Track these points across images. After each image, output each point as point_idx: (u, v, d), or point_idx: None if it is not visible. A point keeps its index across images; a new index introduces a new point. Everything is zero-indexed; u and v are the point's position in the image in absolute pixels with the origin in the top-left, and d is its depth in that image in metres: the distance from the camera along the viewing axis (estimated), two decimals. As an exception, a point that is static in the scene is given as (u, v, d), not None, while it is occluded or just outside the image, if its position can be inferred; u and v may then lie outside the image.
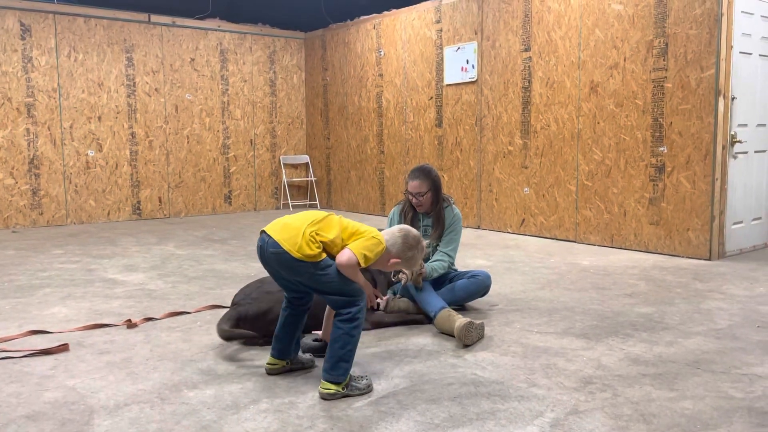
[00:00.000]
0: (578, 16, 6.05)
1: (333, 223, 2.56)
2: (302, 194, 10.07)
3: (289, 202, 9.73)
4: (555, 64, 6.29)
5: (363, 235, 2.53)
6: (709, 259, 5.21)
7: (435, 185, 3.59)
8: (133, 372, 2.76)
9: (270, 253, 2.51)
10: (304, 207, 9.86)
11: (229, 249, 6.05)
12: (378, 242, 2.53)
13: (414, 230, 2.70)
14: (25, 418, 2.30)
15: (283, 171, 9.75)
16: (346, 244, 2.50)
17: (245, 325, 3.11)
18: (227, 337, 3.03)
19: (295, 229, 2.50)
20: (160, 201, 8.62)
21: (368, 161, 8.86)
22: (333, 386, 2.45)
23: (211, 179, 9.06)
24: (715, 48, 5.11)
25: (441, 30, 7.50)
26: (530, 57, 6.52)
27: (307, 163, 10.00)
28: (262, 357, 2.94)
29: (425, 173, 3.57)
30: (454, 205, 3.73)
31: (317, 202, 9.89)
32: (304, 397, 2.47)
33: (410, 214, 3.69)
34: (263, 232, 2.58)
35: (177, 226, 7.74)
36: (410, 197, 3.60)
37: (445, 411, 2.33)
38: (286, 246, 2.45)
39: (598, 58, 5.92)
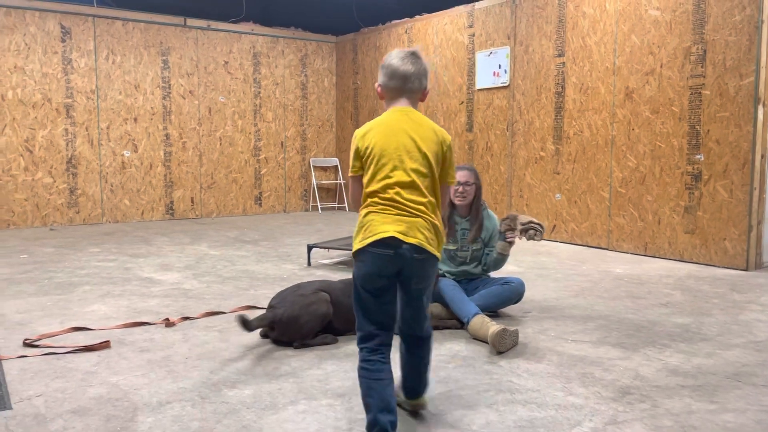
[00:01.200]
0: (614, 21, 6.00)
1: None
2: (331, 197, 10.13)
3: (318, 204, 9.80)
4: (589, 69, 6.25)
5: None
6: (746, 270, 5.12)
7: (479, 179, 3.71)
8: (174, 370, 2.81)
9: (415, 260, 2.06)
10: (332, 209, 9.93)
11: (261, 250, 6.12)
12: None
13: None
14: (72, 413, 2.36)
15: (313, 173, 9.83)
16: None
17: (279, 327, 3.14)
18: (245, 323, 3.04)
19: (424, 219, 2.08)
20: (192, 201, 8.75)
21: (398, 165, 8.86)
22: (425, 397, 2.37)
23: (243, 181, 9.17)
24: (755, 55, 5.03)
25: (473, 35, 7.49)
26: (564, 62, 6.49)
27: (336, 166, 10.07)
28: (298, 358, 2.97)
29: (471, 167, 3.72)
30: (489, 209, 3.76)
31: (346, 204, 9.94)
32: (341, 400, 2.50)
33: (447, 213, 3.70)
34: (391, 238, 2.04)
35: (209, 227, 7.85)
36: (457, 187, 3.62)
37: (483, 417, 2.34)
38: (432, 247, 2.09)
39: (633, 64, 5.86)
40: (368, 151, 2.11)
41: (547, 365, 2.91)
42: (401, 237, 2.03)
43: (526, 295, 4.06)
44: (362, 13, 9.53)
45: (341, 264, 5.43)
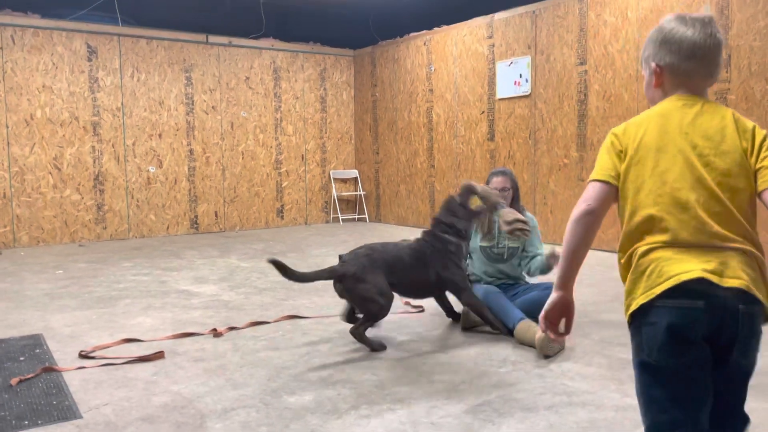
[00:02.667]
0: (635, 29, 6.06)
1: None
2: (351, 208, 10.20)
3: (339, 216, 9.87)
4: (612, 77, 6.31)
5: None
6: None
7: (516, 184, 3.81)
8: (231, 378, 2.87)
9: (741, 315, 1.31)
10: (353, 221, 9.99)
11: (290, 262, 6.12)
12: None
13: None
14: (141, 420, 2.42)
15: (333, 185, 9.91)
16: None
17: (346, 281, 3.31)
18: (281, 267, 3.21)
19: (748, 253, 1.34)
20: (216, 215, 8.84)
21: (418, 175, 8.95)
22: None
23: (265, 194, 9.27)
24: (780, 59, 5.07)
25: (493, 45, 7.58)
26: (586, 70, 6.55)
27: (356, 178, 10.15)
28: (351, 365, 3.02)
29: (508, 172, 3.81)
30: (527, 211, 3.84)
31: (366, 215, 10.01)
32: (401, 404, 2.54)
33: (487, 219, 3.75)
34: (700, 280, 1.31)
35: (234, 240, 7.93)
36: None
37: (544, 419, 2.38)
38: (765, 296, 1.35)
39: (657, 70, 5.90)
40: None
41: (597, 368, 2.94)
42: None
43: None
44: (379, 27, 9.65)
45: (373, 274, 5.47)
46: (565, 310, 1.49)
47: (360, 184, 10.10)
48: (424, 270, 3.44)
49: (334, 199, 9.88)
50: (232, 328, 3.70)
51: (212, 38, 8.68)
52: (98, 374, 2.95)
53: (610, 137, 1.47)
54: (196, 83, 8.58)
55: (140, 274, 5.59)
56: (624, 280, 1.46)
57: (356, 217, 10.14)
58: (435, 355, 3.19)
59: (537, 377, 2.84)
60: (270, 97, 9.24)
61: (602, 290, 4.64)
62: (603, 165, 1.45)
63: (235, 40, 8.89)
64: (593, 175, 1.46)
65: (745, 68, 5.28)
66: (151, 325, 3.86)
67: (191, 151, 8.59)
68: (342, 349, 3.29)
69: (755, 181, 1.37)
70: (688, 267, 1.31)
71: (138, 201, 8.24)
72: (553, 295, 1.49)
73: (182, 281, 5.26)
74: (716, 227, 1.33)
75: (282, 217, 9.47)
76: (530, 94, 7.16)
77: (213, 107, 8.73)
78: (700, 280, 1.30)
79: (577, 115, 6.67)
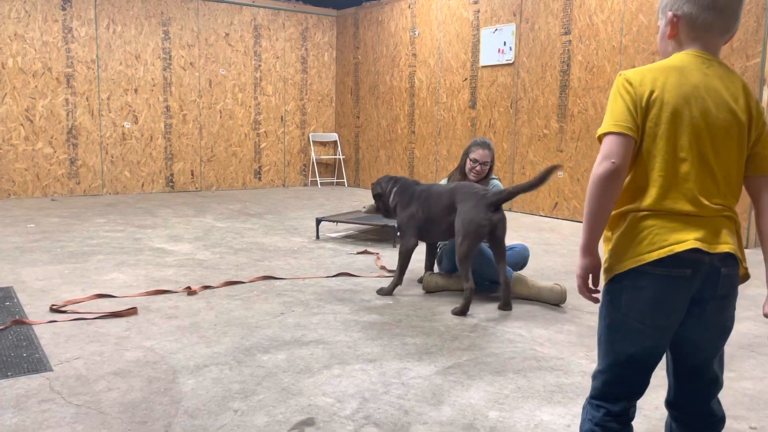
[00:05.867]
0: (622, 0, 6.03)
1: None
2: (330, 172, 10.15)
3: (318, 179, 9.82)
4: (596, 48, 6.29)
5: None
6: (747, 247, 5.25)
7: (494, 157, 3.92)
8: (205, 336, 2.87)
9: (724, 277, 1.38)
10: (331, 185, 9.95)
11: (267, 223, 6.16)
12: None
13: None
14: (113, 374, 2.42)
15: (312, 148, 9.83)
16: None
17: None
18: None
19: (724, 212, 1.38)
20: (192, 174, 8.73)
21: (398, 141, 8.91)
22: None
23: (242, 154, 9.16)
24: (762, 36, 5.10)
25: (478, 11, 7.49)
26: (570, 40, 6.52)
27: (335, 141, 10.07)
28: (324, 326, 3.04)
29: (490, 145, 3.86)
30: (496, 180, 3.92)
31: (345, 180, 9.97)
32: (373, 365, 2.57)
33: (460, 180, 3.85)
34: (693, 250, 1.33)
35: (210, 200, 7.86)
36: (474, 165, 3.82)
37: (512, 383, 2.43)
38: (742, 255, 1.42)
39: (640, 43, 5.91)
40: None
41: (567, 335, 3.00)
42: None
43: (535, 268, 4.15)
44: (364, -13, 9.47)
45: (349, 238, 5.48)
46: (597, 272, 1.44)
47: (339, 148, 10.02)
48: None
49: (313, 163, 9.81)
50: (206, 287, 3.69)
51: (192, -8, 8.45)
52: (70, 328, 2.93)
53: (623, 83, 1.38)
54: (173, 38, 8.37)
55: (114, 231, 5.53)
56: (608, 237, 1.45)
57: (335, 181, 10.10)
58: (409, 318, 3.22)
59: (508, 342, 2.89)
60: (250, 55, 9.06)
61: (574, 260, 4.67)
62: (620, 115, 1.35)
63: (216, -5, 8.67)
64: (610, 127, 1.35)
65: (727, 45, 5.29)
66: (124, 281, 3.83)
67: (168, 108, 8.43)
68: (315, 311, 3.31)
69: (751, 161, 1.40)
70: (682, 237, 1.33)
71: (112, 157, 8.09)
72: (584, 261, 1.42)
73: (156, 239, 5.21)
74: (713, 198, 1.36)
75: (260, 179, 9.39)
76: (513, 62, 7.12)
77: (191, 63, 8.55)
78: (692, 250, 1.33)
79: (558, 86, 6.67)
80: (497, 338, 2.94)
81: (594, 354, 2.75)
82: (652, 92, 1.35)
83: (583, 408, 1.53)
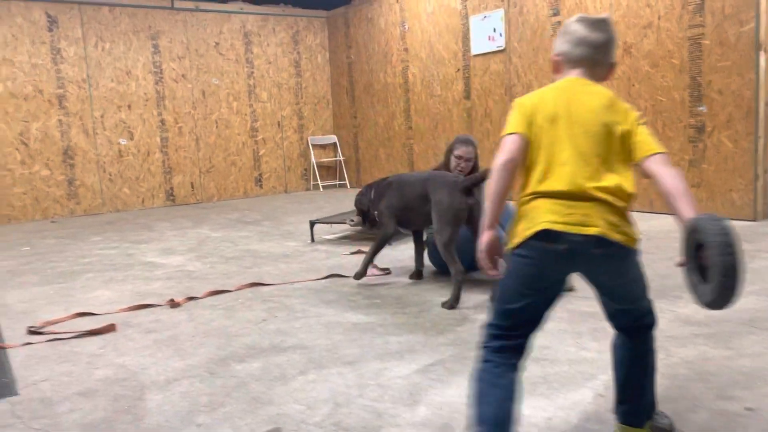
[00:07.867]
0: (609, -25, 5.86)
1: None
2: (331, 174, 10.06)
3: (319, 183, 9.73)
4: (586, 27, 6.12)
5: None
6: (755, 220, 5.06)
7: (477, 154, 3.94)
8: (181, 348, 2.78)
9: (597, 256, 1.58)
10: (333, 187, 9.86)
11: (263, 230, 6.08)
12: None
13: None
14: (78, 395, 2.34)
15: (312, 152, 9.75)
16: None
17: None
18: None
19: (614, 191, 1.60)
20: (192, 186, 8.69)
21: (396, 138, 8.79)
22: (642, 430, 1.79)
23: (241, 163, 9.11)
24: (754, 1, 4.91)
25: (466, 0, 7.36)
26: (560, 21, 6.36)
27: (335, 143, 9.98)
28: (306, 330, 2.94)
29: (473, 142, 3.89)
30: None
31: (346, 181, 9.87)
32: (351, 367, 2.46)
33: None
34: (547, 232, 1.56)
35: (210, 211, 7.80)
36: (459, 161, 3.82)
37: (495, 376, 2.30)
38: (624, 236, 1.63)
39: (630, 18, 5.74)
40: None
41: (557, 322, 2.87)
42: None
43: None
44: (352, -14, 9.37)
45: (345, 238, 5.38)
46: (498, 246, 1.70)
47: (339, 150, 9.93)
48: None
49: (314, 166, 9.72)
50: (191, 298, 3.61)
51: (178, 3, 8.41)
52: (44, 349, 2.85)
53: (517, 104, 1.71)
54: (163, 51, 8.34)
55: (107, 248, 5.48)
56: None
57: (337, 183, 10.01)
58: (395, 316, 3.11)
59: (495, 334, 2.76)
60: (242, 62, 9.00)
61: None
62: (515, 122, 1.68)
63: (202, 5, 8.62)
64: (505, 131, 1.69)
65: (719, 12, 5.11)
66: (109, 298, 3.76)
67: (163, 122, 8.40)
68: (299, 315, 3.21)
69: (633, 151, 1.64)
70: (551, 218, 1.57)
71: (110, 175, 8.07)
72: (487, 235, 1.69)
73: (149, 253, 5.15)
74: (586, 183, 1.58)
75: (261, 186, 9.33)
76: (504, 48, 6.97)
77: (183, 75, 8.51)
78: (549, 231, 1.56)
79: (552, 69, 6.50)
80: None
81: (583, 340, 2.62)
82: (536, 104, 1.68)
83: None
